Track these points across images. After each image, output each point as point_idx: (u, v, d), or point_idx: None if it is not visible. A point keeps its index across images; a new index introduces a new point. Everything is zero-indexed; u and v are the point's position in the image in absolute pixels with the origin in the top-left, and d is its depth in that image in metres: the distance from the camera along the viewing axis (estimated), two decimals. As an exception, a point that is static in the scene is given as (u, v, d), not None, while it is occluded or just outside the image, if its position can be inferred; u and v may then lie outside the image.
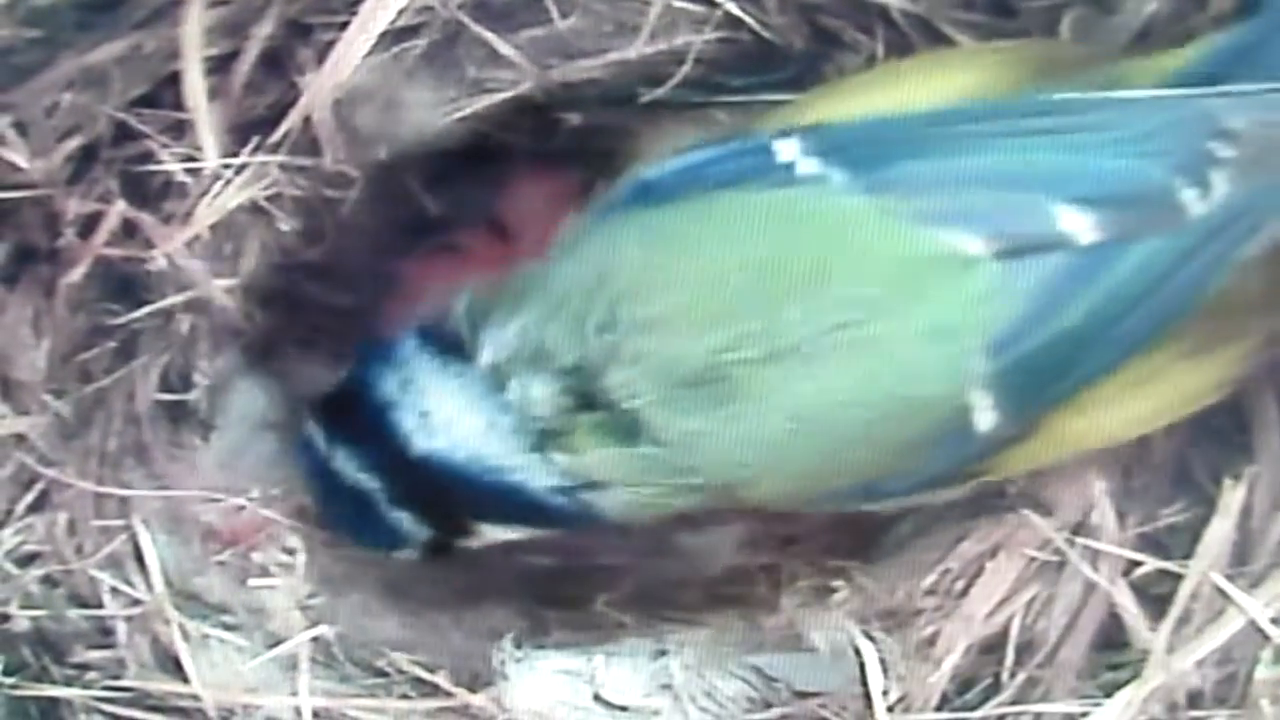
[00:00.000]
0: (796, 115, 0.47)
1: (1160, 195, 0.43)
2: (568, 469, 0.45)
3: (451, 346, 0.46)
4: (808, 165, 0.45)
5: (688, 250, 0.45)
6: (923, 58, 0.52)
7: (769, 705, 0.53)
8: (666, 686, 0.53)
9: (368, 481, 0.47)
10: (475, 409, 0.45)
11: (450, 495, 0.47)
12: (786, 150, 0.45)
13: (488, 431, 0.45)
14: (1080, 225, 0.43)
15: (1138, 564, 0.52)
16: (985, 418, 0.44)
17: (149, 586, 0.54)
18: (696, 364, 0.44)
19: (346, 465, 0.47)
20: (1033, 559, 0.53)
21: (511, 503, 0.46)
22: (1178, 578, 0.51)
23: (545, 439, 0.45)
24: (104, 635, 0.53)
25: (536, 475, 0.46)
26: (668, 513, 0.48)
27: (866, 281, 0.43)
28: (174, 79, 0.54)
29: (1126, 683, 0.50)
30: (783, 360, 0.43)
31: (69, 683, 0.52)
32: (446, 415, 0.46)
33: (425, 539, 0.49)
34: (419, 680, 0.53)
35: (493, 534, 0.49)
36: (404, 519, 0.48)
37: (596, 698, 0.53)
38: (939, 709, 0.52)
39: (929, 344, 0.43)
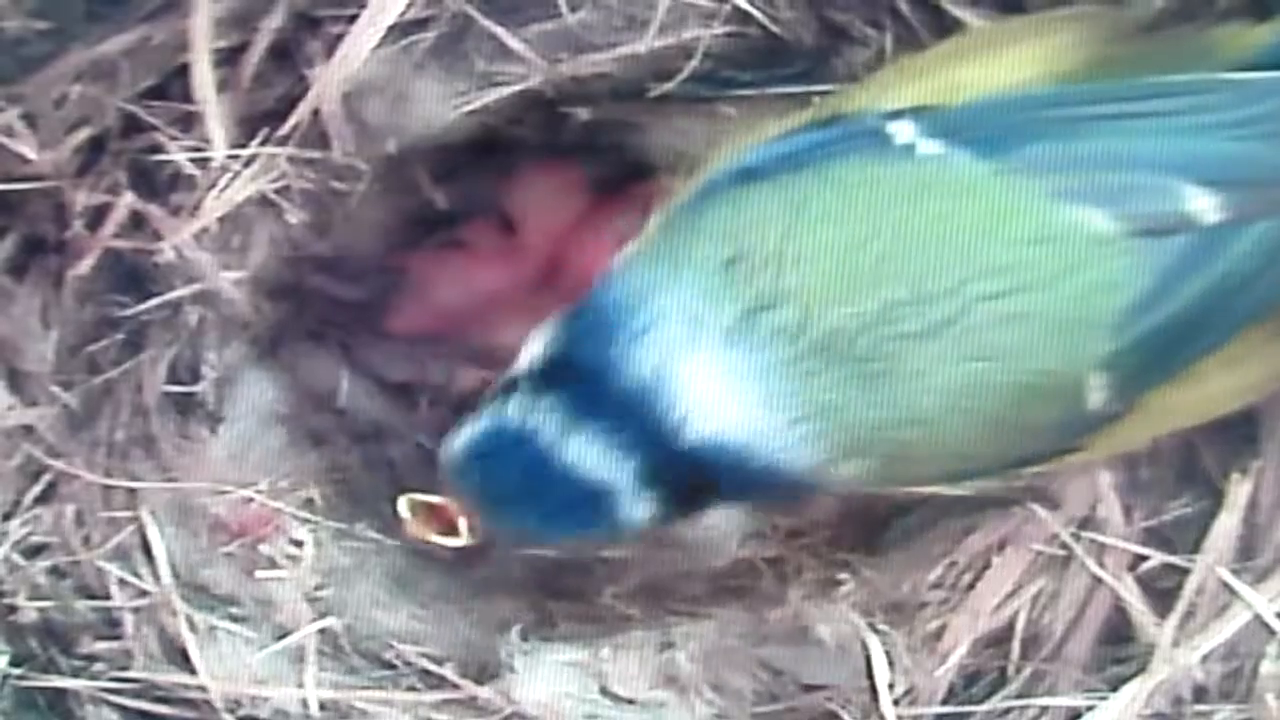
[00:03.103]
0: (877, 96, 0.47)
1: None
2: (817, 446, 0.44)
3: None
4: (929, 146, 0.44)
5: (823, 220, 0.44)
6: (992, 29, 0.52)
7: (775, 698, 0.53)
8: (673, 679, 0.53)
9: (612, 470, 0.44)
10: (730, 388, 0.43)
11: (713, 481, 0.45)
12: (903, 132, 0.45)
13: (749, 413, 0.43)
14: (1206, 206, 0.43)
15: (1144, 558, 0.52)
16: (1096, 396, 0.44)
17: (156, 578, 0.54)
18: (852, 335, 0.43)
19: (587, 451, 0.44)
20: (1039, 553, 0.53)
21: (773, 484, 0.45)
22: (1184, 572, 0.51)
23: (789, 418, 0.43)
24: (111, 626, 0.53)
25: (800, 454, 0.44)
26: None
27: (1007, 254, 0.43)
28: (183, 71, 0.54)
29: (1132, 676, 0.50)
30: (940, 335, 0.43)
31: (76, 674, 0.52)
32: (710, 397, 0.43)
33: (650, 523, 0.46)
34: (426, 672, 0.53)
35: (724, 513, 0.47)
36: (649, 504, 0.45)
37: (603, 690, 0.53)
38: (945, 702, 0.52)
39: (1068, 322, 0.44)
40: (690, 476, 0.44)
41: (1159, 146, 0.44)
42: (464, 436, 0.46)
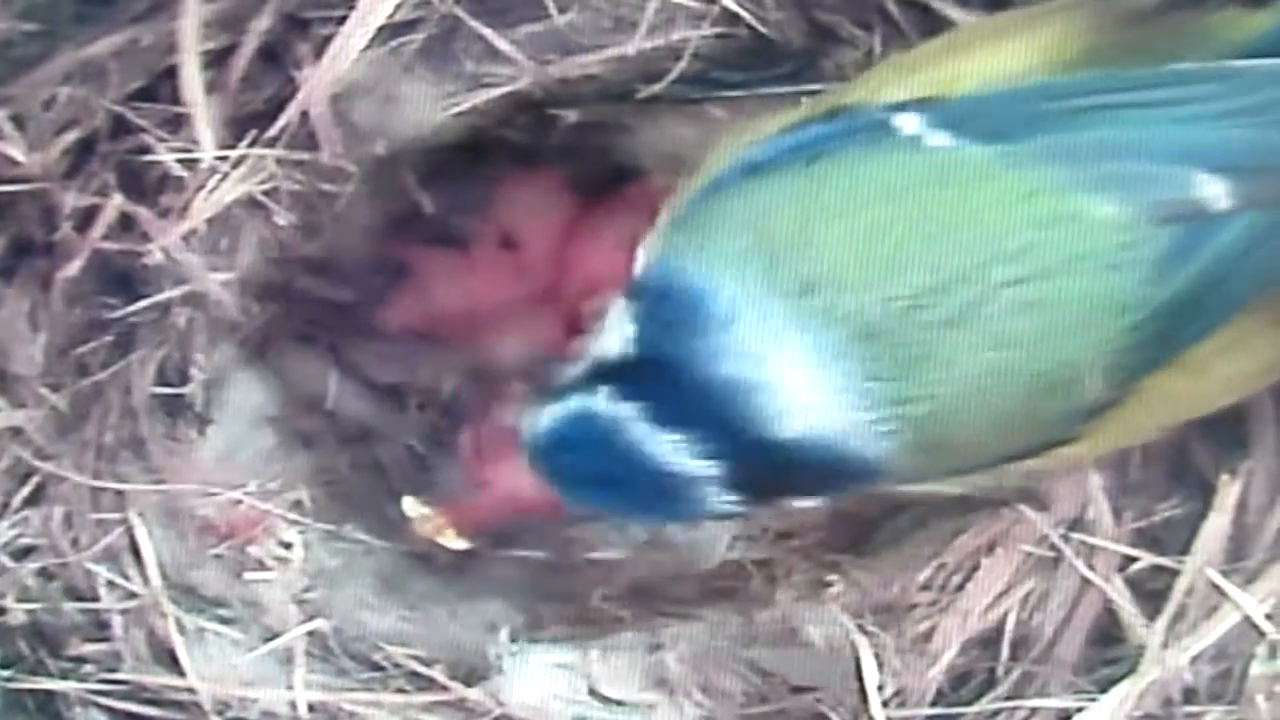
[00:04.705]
0: (874, 90, 0.46)
1: None
2: (889, 435, 0.43)
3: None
4: (937, 139, 0.44)
5: (839, 207, 0.43)
6: (983, 22, 0.52)
7: (764, 700, 0.53)
8: (662, 681, 0.53)
9: (701, 470, 0.43)
10: (813, 379, 0.42)
11: (800, 475, 0.44)
12: (908, 124, 0.44)
13: (835, 405, 0.42)
14: (1217, 193, 0.43)
15: (1133, 559, 0.52)
16: (1093, 382, 0.44)
17: (145, 580, 0.54)
18: (884, 322, 0.42)
19: (676, 452, 0.43)
20: (1029, 554, 0.53)
21: (854, 476, 0.44)
22: (1173, 573, 0.51)
23: (864, 405, 0.43)
24: (100, 628, 0.53)
25: (877, 445, 0.43)
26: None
27: (1024, 236, 0.43)
28: (171, 73, 0.54)
29: (1122, 678, 0.50)
30: (964, 324, 0.43)
31: (65, 675, 0.52)
32: (801, 389, 0.42)
33: (731, 515, 0.46)
34: (415, 674, 0.53)
35: (798, 505, 0.46)
36: (731, 502, 0.44)
37: (592, 692, 0.53)
38: (934, 704, 0.52)
39: (1084, 308, 0.43)
40: (777, 472, 0.43)
41: (1166, 135, 0.44)
42: (552, 417, 0.45)
